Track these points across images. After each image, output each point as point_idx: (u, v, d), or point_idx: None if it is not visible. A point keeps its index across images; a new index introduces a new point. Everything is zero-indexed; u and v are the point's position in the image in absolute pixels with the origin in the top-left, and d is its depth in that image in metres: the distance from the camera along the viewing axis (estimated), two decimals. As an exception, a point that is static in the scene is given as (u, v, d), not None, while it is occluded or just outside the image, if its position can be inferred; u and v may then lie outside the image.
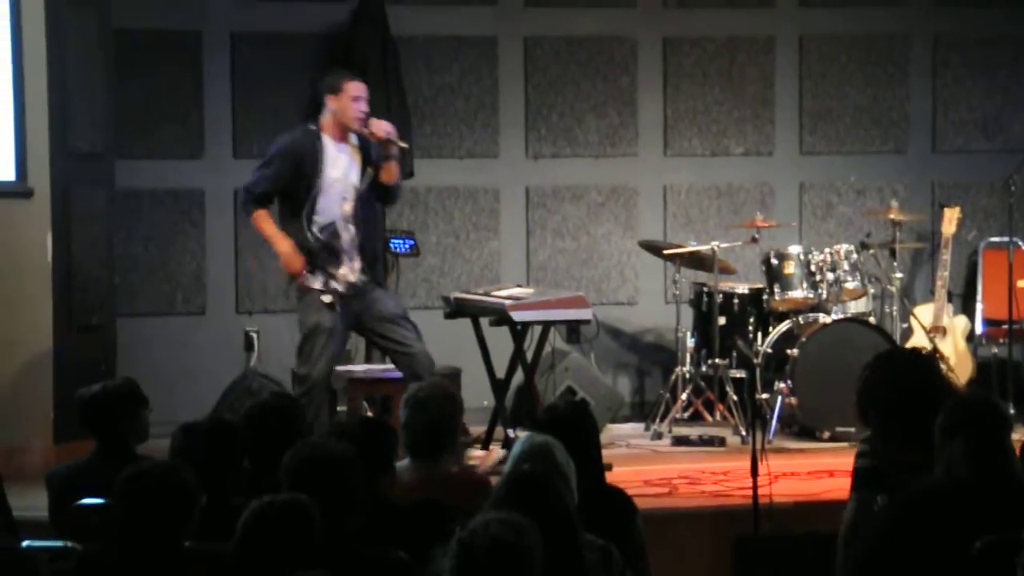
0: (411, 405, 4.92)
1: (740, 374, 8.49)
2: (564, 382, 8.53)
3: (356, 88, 7.05)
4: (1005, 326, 8.71)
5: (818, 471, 7.17)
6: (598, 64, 9.45)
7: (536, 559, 3.27)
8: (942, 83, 9.75)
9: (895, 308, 8.92)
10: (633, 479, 6.80)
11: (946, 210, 9.10)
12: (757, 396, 8.03)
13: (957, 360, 8.82)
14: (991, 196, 9.67)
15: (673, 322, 8.79)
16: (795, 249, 8.54)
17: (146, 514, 3.83)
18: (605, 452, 6.78)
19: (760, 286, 8.66)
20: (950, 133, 9.78)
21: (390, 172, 7.14)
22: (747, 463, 5.77)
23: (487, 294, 7.75)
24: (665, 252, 8.79)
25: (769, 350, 8.40)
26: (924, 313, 8.98)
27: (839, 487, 6.80)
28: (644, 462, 7.61)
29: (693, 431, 8.29)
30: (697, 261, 8.74)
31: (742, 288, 8.77)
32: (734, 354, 8.50)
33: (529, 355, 7.66)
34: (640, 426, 8.72)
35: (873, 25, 9.68)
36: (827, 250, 8.51)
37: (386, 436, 4.55)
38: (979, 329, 9.35)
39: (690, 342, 8.66)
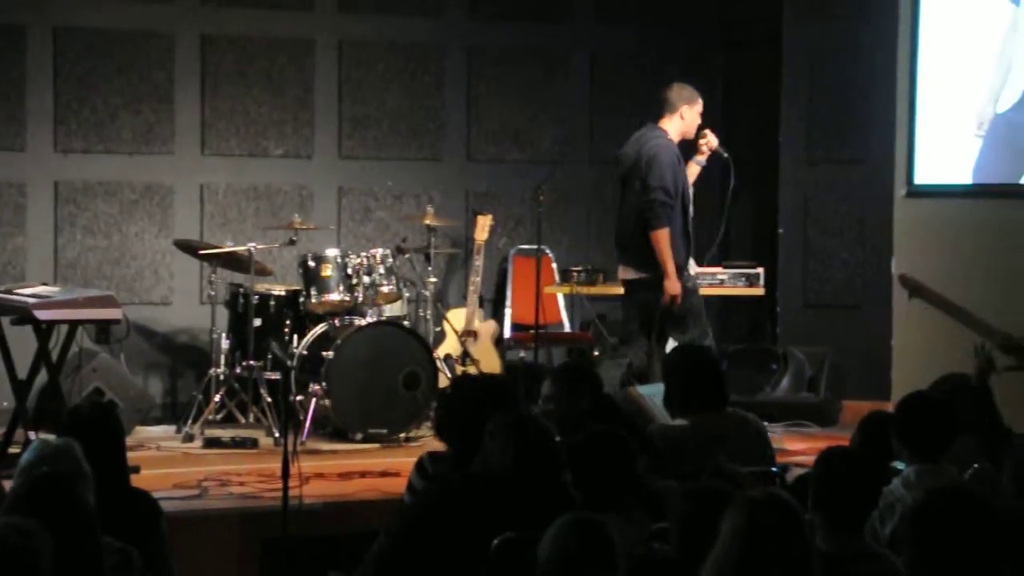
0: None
1: (275, 376, 8.44)
2: (92, 383, 8.27)
3: (701, 103, 7.76)
4: (532, 330, 9.01)
5: (349, 472, 7.23)
6: (133, 59, 9.21)
7: (44, 563, 3.18)
8: (476, 94, 10.02)
9: (429, 312, 9.10)
10: (163, 481, 6.72)
11: (479, 217, 9.37)
12: (291, 398, 8.02)
13: (486, 363, 9.08)
14: (521, 205, 10.01)
15: (208, 323, 8.68)
16: (332, 252, 8.59)
17: None
18: (134, 454, 6.72)
19: (297, 288, 8.66)
20: (483, 143, 10.05)
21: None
22: (279, 465, 5.77)
23: (9, 292, 7.45)
24: (201, 252, 8.67)
25: (304, 352, 8.40)
26: (456, 317, 9.21)
27: (369, 488, 6.91)
28: (174, 464, 7.49)
29: (226, 433, 8.20)
30: (234, 262, 8.67)
31: (279, 290, 8.75)
32: (269, 356, 8.45)
33: (54, 355, 7.38)
34: (172, 428, 8.57)
35: (410, 35, 9.85)
36: (364, 254, 8.59)
37: None
38: (507, 333, 9.69)
39: (225, 343, 8.57)
